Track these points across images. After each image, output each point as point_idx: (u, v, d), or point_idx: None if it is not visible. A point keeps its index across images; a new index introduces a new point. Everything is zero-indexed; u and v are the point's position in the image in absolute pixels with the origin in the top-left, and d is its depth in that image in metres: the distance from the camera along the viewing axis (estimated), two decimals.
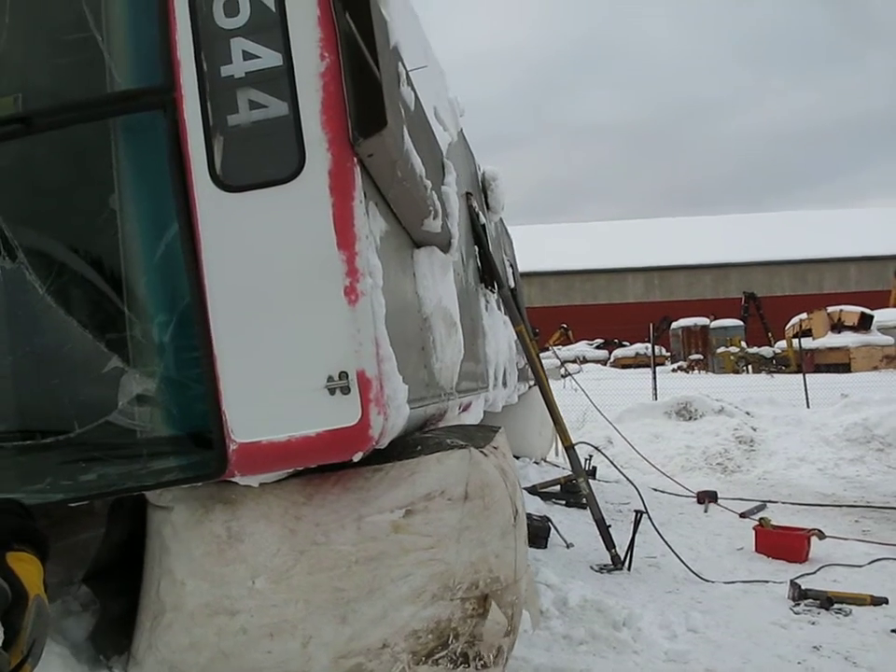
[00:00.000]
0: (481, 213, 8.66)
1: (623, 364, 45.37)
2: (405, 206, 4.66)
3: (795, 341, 36.69)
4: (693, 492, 12.10)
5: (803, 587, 6.94)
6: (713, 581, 7.49)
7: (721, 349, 44.00)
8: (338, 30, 3.71)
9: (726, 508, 11.16)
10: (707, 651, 5.58)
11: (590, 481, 8.93)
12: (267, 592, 3.93)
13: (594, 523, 8.09)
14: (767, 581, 7.50)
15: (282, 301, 3.74)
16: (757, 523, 9.15)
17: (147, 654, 4.15)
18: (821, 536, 8.49)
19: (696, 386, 21.23)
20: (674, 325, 49.76)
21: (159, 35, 3.83)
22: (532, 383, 11.31)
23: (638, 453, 14.11)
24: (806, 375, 24.57)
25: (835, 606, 6.64)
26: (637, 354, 45.82)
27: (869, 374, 30.33)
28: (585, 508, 8.81)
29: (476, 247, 8.37)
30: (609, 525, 8.04)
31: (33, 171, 4.22)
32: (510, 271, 11.87)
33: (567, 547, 8.34)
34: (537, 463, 13.26)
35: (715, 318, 49.32)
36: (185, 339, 3.87)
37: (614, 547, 7.85)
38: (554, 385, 12.16)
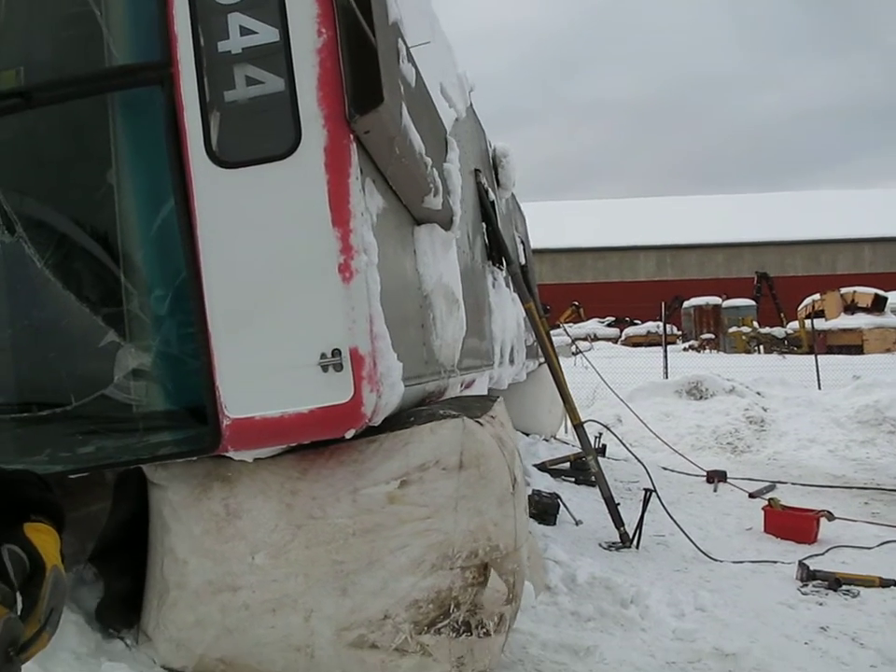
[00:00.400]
0: (490, 189, 8.63)
1: (635, 342, 45.20)
2: (404, 183, 4.64)
3: (808, 321, 36.52)
4: (702, 471, 12.07)
5: (811, 568, 6.91)
6: (721, 561, 7.48)
7: (733, 329, 43.81)
8: (335, 5, 3.69)
9: (736, 487, 11.12)
10: (715, 629, 5.57)
11: (599, 459, 8.93)
12: (267, 567, 3.96)
13: (602, 500, 8.07)
14: (776, 562, 7.48)
15: (276, 277, 3.74)
16: (766, 503, 9.10)
17: (156, 632, 4.20)
18: (830, 517, 8.47)
19: (707, 366, 21.17)
20: (686, 304, 49.54)
21: (156, 10, 3.83)
22: (542, 360, 11.29)
23: (650, 430, 14.08)
24: (818, 356, 24.49)
25: (843, 587, 6.62)
26: (649, 332, 45.64)
27: (882, 356, 30.13)
28: (594, 485, 8.80)
29: (484, 224, 8.34)
30: (618, 503, 8.03)
31: (31, 145, 4.22)
32: (520, 247, 11.85)
33: (576, 524, 8.33)
34: (546, 440, 13.22)
35: (727, 298, 49.14)
36: (180, 314, 3.88)
37: (623, 525, 7.84)
38: (565, 363, 12.14)
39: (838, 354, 33.13)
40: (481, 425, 4.12)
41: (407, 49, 4.54)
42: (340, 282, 3.67)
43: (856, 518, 9.17)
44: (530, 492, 7.93)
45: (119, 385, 3.93)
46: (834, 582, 6.65)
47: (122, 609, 4.41)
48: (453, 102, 6.70)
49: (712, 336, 44.67)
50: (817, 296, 43.54)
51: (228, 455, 3.92)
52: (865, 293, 42.38)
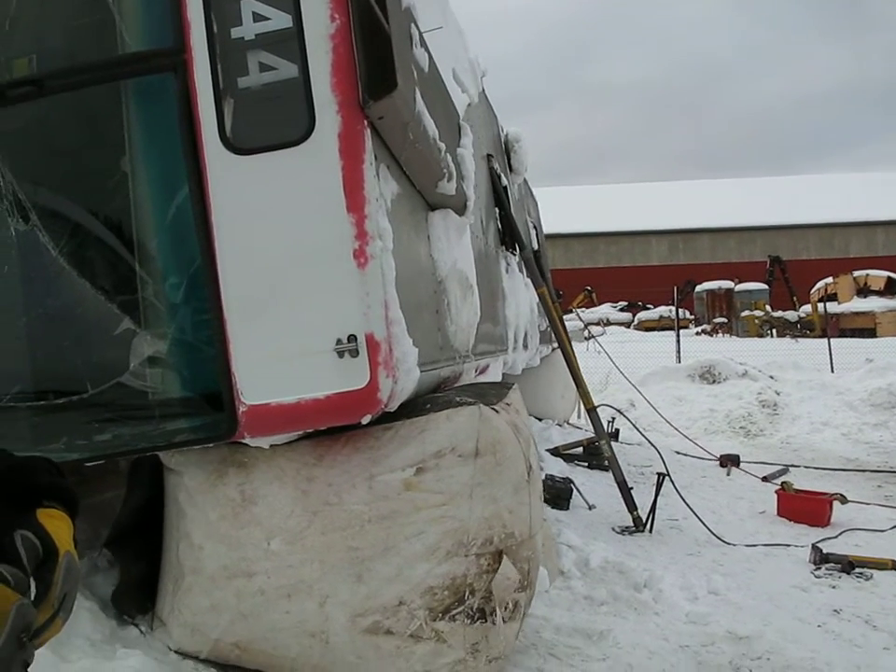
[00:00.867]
0: (503, 174, 8.61)
1: (647, 327, 45.14)
2: (418, 169, 4.64)
3: (820, 305, 36.43)
4: (715, 455, 12.06)
5: (824, 551, 6.93)
6: (735, 544, 7.49)
7: (746, 313, 43.73)
8: None
9: (748, 471, 11.11)
10: (728, 612, 5.58)
11: (612, 443, 8.94)
12: (282, 553, 3.97)
13: (616, 485, 8.09)
14: (789, 545, 7.49)
15: (291, 263, 3.74)
16: (779, 487, 9.12)
17: (170, 617, 4.22)
18: (843, 500, 8.46)
19: (720, 350, 21.11)
20: (698, 288, 49.49)
21: None
22: (555, 345, 11.28)
23: (661, 416, 14.06)
24: (831, 340, 24.45)
25: (856, 570, 6.63)
26: (661, 317, 45.56)
27: (895, 339, 30.06)
28: (607, 470, 8.82)
29: (497, 209, 8.33)
30: (631, 488, 8.04)
31: (45, 134, 4.22)
32: (533, 232, 11.83)
33: (590, 509, 8.35)
34: (559, 425, 13.23)
35: (739, 282, 49.01)
36: (195, 301, 3.88)
37: (636, 509, 7.85)
38: (578, 348, 12.13)
39: (851, 337, 33.05)
40: (497, 412, 4.13)
41: (420, 34, 4.53)
42: (355, 268, 3.67)
43: (869, 501, 9.19)
44: (543, 477, 7.93)
45: (136, 373, 3.93)
46: (847, 565, 6.66)
47: (137, 596, 4.43)
48: (465, 87, 6.68)
49: (725, 320, 44.60)
50: (829, 279, 43.45)
51: (244, 441, 3.93)
52: (878, 276, 42.29)
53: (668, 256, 69.33)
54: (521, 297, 9.02)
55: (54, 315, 4.08)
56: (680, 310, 33.22)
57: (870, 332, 37.13)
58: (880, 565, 6.73)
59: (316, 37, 3.66)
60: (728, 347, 24.40)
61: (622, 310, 52.11)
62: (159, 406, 3.98)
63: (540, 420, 12.62)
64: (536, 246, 11.22)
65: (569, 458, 10.56)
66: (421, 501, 3.89)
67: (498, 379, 7.37)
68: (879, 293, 41.35)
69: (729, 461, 11.60)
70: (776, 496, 8.90)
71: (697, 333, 40.26)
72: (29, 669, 1.34)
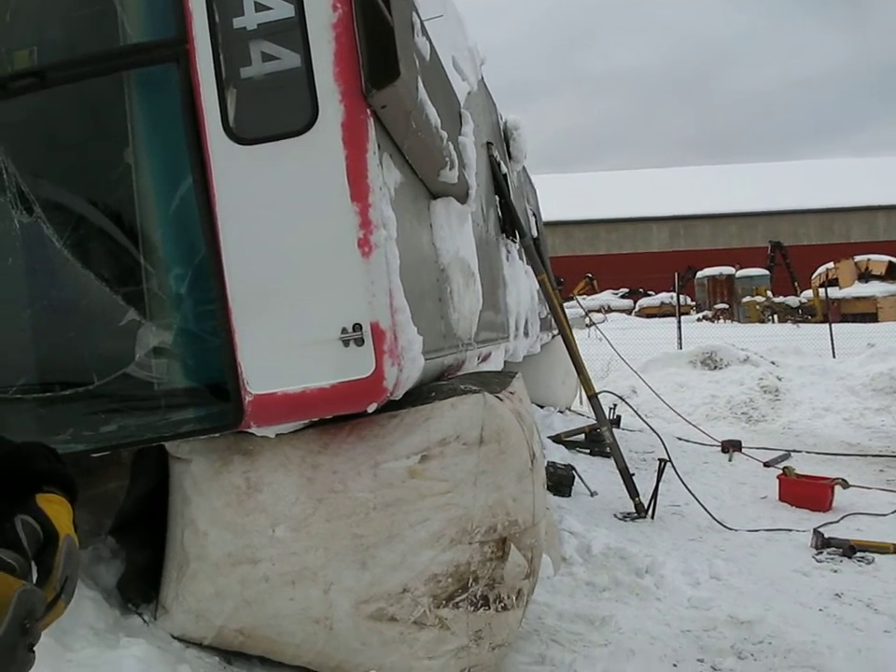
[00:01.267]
0: (502, 162, 8.61)
1: (648, 313, 45.07)
2: (421, 157, 4.64)
3: (822, 290, 36.35)
4: (717, 441, 12.07)
5: (826, 535, 6.95)
6: (736, 530, 7.52)
7: (747, 298, 43.67)
8: None
9: (750, 457, 11.13)
10: (730, 597, 5.61)
11: (614, 430, 8.96)
12: (287, 540, 3.98)
13: (617, 471, 8.11)
14: (790, 530, 7.52)
15: (296, 252, 3.75)
16: (781, 472, 9.13)
17: (174, 604, 4.23)
18: (845, 485, 8.49)
19: (721, 336, 21.14)
20: (699, 274, 49.41)
21: None
22: (556, 332, 11.29)
23: (663, 401, 14.07)
24: (833, 325, 24.42)
25: (858, 554, 6.65)
26: (662, 303, 45.53)
27: None
28: (609, 457, 8.82)
29: (497, 197, 8.34)
30: (633, 474, 8.07)
31: (47, 125, 4.23)
32: (532, 220, 11.82)
33: (591, 495, 8.37)
34: (561, 412, 13.21)
35: (740, 267, 48.93)
36: (200, 291, 3.89)
37: (638, 495, 7.87)
38: (579, 335, 12.13)
39: (852, 322, 33.06)
40: (501, 400, 4.14)
41: (421, 22, 4.53)
42: (359, 256, 3.68)
43: (871, 486, 9.21)
44: (546, 464, 7.95)
45: (141, 364, 3.94)
46: (849, 549, 6.68)
47: (142, 584, 4.45)
48: (465, 75, 6.68)
49: (726, 306, 44.55)
50: (831, 264, 43.33)
51: (250, 430, 3.95)
52: (879, 261, 42.21)
53: (669, 242, 69.24)
54: (521, 284, 9.03)
55: (59, 307, 4.09)
56: (682, 296, 33.21)
57: (871, 317, 37.12)
58: (882, 549, 6.75)
59: (319, 27, 3.67)
60: (729, 333, 24.41)
61: (623, 297, 52.06)
62: (164, 396, 3.99)
63: (542, 407, 12.61)
64: (535, 234, 11.22)
65: (571, 445, 10.57)
66: (425, 489, 3.91)
67: (500, 366, 7.39)
68: (880, 278, 41.29)
69: (731, 447, 11.59)
70: (777, 481, 8.92)
71: (699, 319, 40.25)
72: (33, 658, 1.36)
